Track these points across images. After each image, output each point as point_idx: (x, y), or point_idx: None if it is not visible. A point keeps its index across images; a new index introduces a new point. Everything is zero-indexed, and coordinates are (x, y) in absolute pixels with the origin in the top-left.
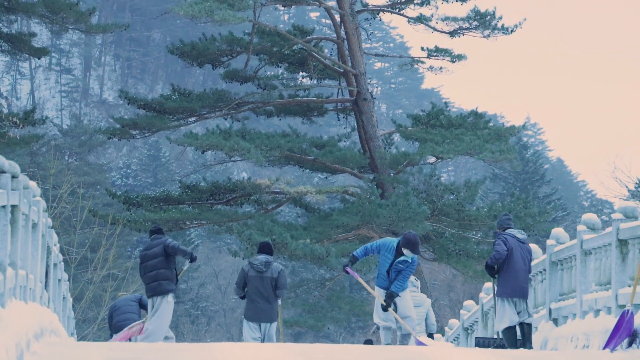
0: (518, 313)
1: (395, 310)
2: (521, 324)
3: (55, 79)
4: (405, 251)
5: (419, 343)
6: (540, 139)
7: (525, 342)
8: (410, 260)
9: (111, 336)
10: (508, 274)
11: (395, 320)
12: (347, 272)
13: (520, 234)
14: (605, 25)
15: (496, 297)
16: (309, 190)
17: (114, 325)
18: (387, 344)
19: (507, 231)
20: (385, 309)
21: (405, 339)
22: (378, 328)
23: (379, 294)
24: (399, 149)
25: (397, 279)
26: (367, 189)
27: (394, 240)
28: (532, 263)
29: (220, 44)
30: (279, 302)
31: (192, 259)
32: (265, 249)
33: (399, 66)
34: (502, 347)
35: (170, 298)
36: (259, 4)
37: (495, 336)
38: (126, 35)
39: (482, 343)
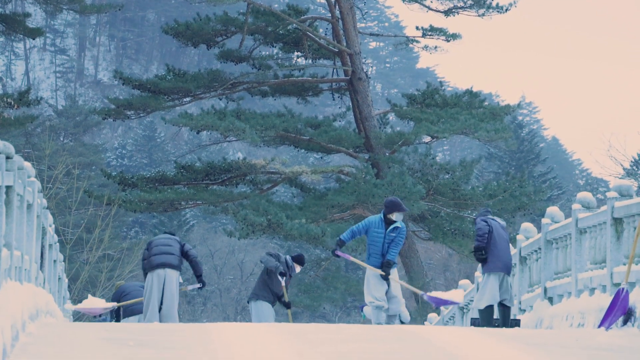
0: (500, 292)
1: (388, 287)
2: (501, 305)
3: (50, 59)
4: (394, 215)
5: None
6: (535, 117)
7: (504, 323)
8: (400, 226)
9: (117, 318)
10: (495, 249)
11: (387, 299)
12: (338, 256)
13: (500, 221)
14: (601, 5)
15: (483, 274)
16: (304, 170)
17: (125, 309)
18: (377, 324)
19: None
20: (386, 277)
21: (390, 319)
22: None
23: (375, 273)
24: (394, 128)
25: (391, 248)
26: (362, 169)
27: (377, 215)
28: (527, 242)
29: (215, 24)
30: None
31: (203, 282)
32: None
33: (394, 45)
34: (478, 326)
35: (180, 279)
36: None
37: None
38: (121, 16)
39: (478, 323)
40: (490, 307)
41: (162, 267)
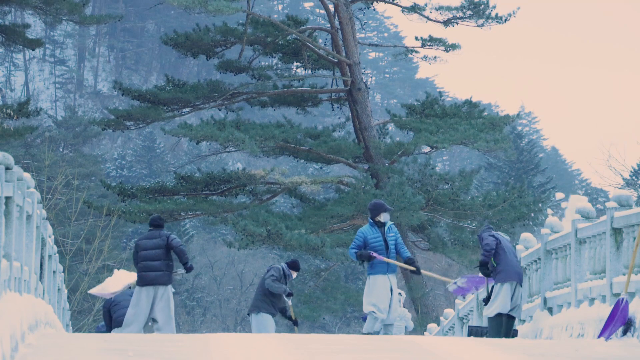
0: (511, 301)
1: (391, 297)
2: (507, 316)
3: (50, 70)
4: (382, 217)
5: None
6: (534, 127)
7: (505, 333)
8: (391, 225)
9: (108, 331)
10: (506, 260)
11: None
12: (374, 257)
13: (504, 235)
14: (599, 13)
15: (495, 284)
16: (304, 181)
17: (115, 320)
18: (367, 333)
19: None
20: (418, 272)
21: (388, 329)
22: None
23: (382, 282)
24: (394, 138)
25: (402, 249)
26: (361, 179)
27: (366, 225)
28: (527, 252)
29: (214, 35)
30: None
31: (188, 269)
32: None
33: (393, 56)
34: (483, 335)
35: (171, 288)
36: None
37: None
38: (120, 26)
39: (475, 332)
40: (499, 316)
41: (151, 284)
